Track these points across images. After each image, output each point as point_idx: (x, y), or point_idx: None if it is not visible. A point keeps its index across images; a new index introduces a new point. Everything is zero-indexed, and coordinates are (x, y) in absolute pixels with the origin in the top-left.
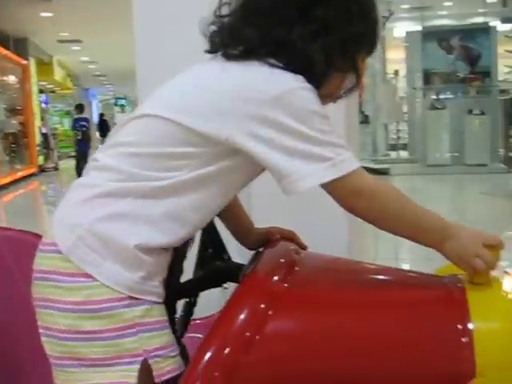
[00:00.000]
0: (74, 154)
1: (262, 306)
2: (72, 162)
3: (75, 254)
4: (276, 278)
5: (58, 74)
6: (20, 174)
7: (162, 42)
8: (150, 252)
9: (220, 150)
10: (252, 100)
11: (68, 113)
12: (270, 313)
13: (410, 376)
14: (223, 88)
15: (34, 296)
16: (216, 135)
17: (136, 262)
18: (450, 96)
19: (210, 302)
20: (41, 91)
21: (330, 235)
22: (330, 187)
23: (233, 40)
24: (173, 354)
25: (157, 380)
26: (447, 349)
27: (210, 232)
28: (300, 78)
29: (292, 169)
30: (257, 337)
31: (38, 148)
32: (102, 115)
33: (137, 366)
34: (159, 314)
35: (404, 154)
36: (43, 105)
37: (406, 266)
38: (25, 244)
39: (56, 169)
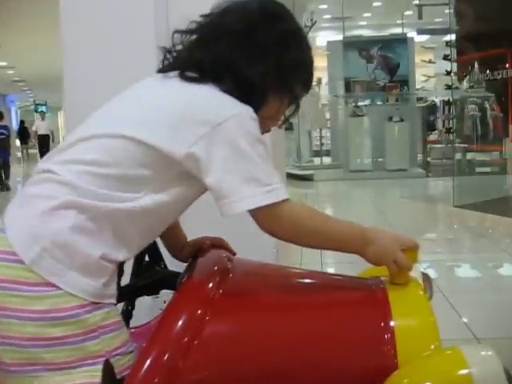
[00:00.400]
0: None
1: (199, 311)
2: None
3: (39, 264)
4: (211, 284)
5: None
6: None
7: (88, 48)
8: (112, 261)
9: (174, 174)
10: (207, 122)
11: None
12: (207, 318)
13: (339, 371)
14: (180, 109)
15: None
16: (172, 153)
17: (100, 270)
18: (371, 103)
19: (142, 310)
20: None
21: (258, 241)
22: (261, 212)
23: (187, 62)
24: (130, 349)
25: (118, 376)
26: (372, 345)
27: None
28: (248, 107)
29: (233, 189)
30: (195, 342)
31: None
32: (22, 122)
33: (99, 367)
34: (116, 315)
35: (327, 160)
36: None
37: (330, 270)
38: None
39: None
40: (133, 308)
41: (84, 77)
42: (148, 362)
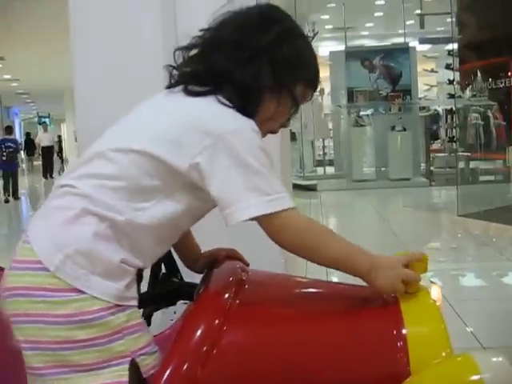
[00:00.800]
0: None
1: (217, 321)
2: None
3: (63, 270)
4: (228, 295)
5: None
6: None
7: (99, 63)
8: (132, 264)
9: (181, 184)
10: (210, 133)
11: None
12: (224, 328)
13: (353, 379)
14: (183, 123)
15: (10, 312)
16: (176, 165)
17: (121, 273)
18: (374, 113)
19: (153, 321)
20: None
21: (266, 252)
22: (265, 220)
23: (189, 76)
24: (154, 349)
25: (145, 375)
26: (384, 353)
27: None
28: (251, 120)
29: (234, 199)
30: (214, 351)
31: None
32: (28, 134)
33: (125, 366)
34: (138, 317)
35: (330, 170)
36: None
37: (335, 279)
38: None
39: None
40: (149, 321)
41: (95, 92)
42: (168, 371)
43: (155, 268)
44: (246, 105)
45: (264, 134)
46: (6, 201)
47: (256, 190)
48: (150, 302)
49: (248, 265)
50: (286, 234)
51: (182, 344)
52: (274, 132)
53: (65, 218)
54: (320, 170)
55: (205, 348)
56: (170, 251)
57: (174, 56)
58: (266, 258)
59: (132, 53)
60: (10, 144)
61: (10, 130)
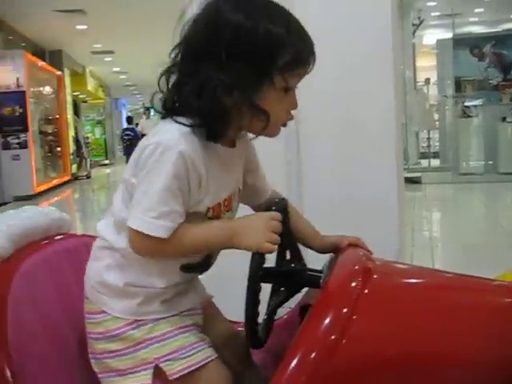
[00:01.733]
0: (105, 162)
1: (346, 310)
2: (103, 171)
3: (93, 297)
4: (356, 283)
5: (91, 85)
6: (55, 182)
7: None
8: (139, 286)
9: None
10: (145, 146)
11: (99, 122)
12: (354, 317)
13: (484, 379)
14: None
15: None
16: (135, 182)
17: (129, 294)
18: (483, 103)
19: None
20: (74, 101)
21: (381, 240)
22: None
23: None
24: (187, 354)
25: (170, 378)
26: None
27: (287, 240)
28: (177, 138)
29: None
30: (342, 341)
31: (71, 156)
32: (136, 125)
33: (151, 371)
34: (167, 326)
35: (435, 162)
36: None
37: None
38: None
39: (88, 177)
40: (274, 312)
41: None
42: (295, 360)
43: (280, 255)
44: (212, 127)
45: (277, 127)
46: None
47: (138, 204)
48: (274, 279)
49: (371, 253)
50: (144, 254)
51: (310, 332)
52: (288, 119)
53: (91, 254)
54: (424, 163)
55: (333, 337)
56: (293, 239)
57: (159, 80)
58: (379, 246)
59: None
60: (128, 132)
61: (130, 120)
